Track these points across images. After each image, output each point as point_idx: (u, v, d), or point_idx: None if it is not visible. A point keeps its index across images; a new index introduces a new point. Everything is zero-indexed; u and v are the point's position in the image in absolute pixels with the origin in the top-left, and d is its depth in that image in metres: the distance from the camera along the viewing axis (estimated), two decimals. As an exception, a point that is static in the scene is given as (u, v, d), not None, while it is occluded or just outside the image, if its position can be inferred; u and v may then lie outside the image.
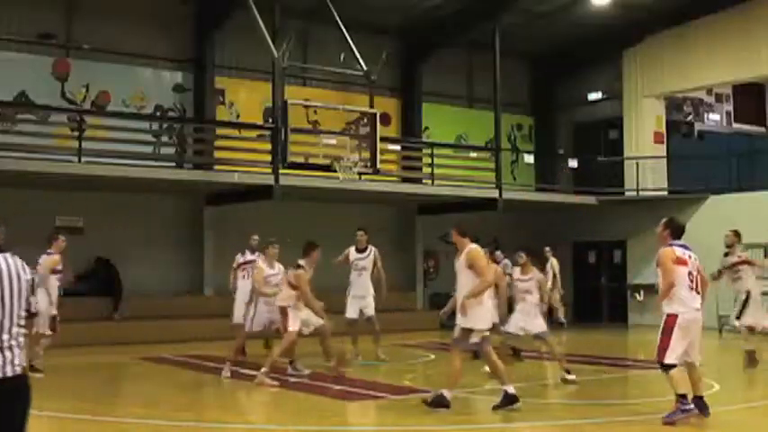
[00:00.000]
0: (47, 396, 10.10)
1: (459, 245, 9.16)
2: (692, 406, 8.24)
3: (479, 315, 8.88)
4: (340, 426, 8.52)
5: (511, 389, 8.94)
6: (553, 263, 20.65)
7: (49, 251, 12.19)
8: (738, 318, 13.01)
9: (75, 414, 8.84)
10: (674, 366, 8.29)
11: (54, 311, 11.91)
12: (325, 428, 8.41)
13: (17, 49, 18.05)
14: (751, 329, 12.97)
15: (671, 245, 8.55)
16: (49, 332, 11.87)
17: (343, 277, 14.11)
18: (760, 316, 13.00)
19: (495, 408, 8.95)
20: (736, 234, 13.25)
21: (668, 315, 8.35)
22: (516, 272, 12.04)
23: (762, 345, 13.15)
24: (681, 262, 8.40)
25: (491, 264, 12.00)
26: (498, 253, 18.57)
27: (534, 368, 13.17)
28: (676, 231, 8.67)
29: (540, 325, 11.60)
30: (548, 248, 20.75)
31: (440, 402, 8.81)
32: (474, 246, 9.10)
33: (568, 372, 11.28)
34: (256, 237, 14.19)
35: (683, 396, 8.26)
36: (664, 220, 8.81)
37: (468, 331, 8.89)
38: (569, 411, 9.32)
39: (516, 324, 11.73)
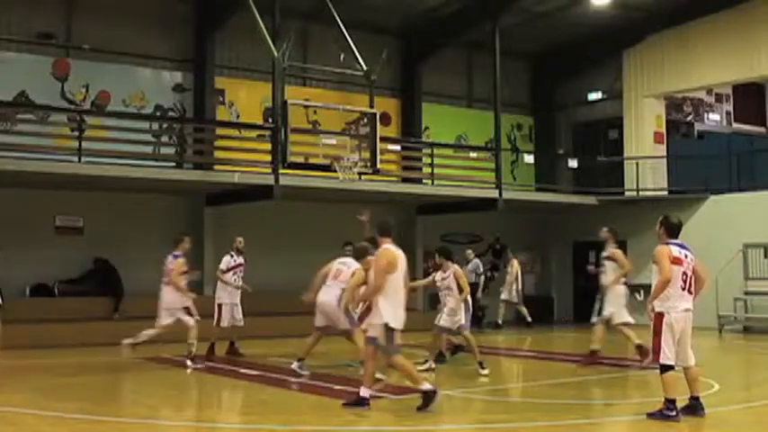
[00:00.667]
0: (48, 396, 10.11)
1: (379, 243, 9.19)
2: (676, 414, 8.24)
3: (386, 311, 8.84)
4: (340, 426, 8.51)
5: (426, 387, 8.85)
6: (514, 264, 21.25)
7: (175, 253, 12.98)
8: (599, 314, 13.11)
9: (75, 414, 8.83)
10: (670, 368, 8.31)
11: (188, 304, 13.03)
12: (325, 428, 8.41)
13: (17, 49, 18.06)
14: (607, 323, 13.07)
15: (668, 243, 8.54)
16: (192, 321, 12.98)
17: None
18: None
19: (345, 405, 8.99)
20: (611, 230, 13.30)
21: (656, 314, 8.37)
22: (438, 274, 12.50)
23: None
24: (676, 261, 8.38)
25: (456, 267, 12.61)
26: (469, 252, 18.54)
27: (534, 368, 13.16)
28: (671, 229, 8.63)
29: (460, 320, 12.21)
30: (509, 250, 21.63)
31: (427, 400, 8.81)
32: (386, 247, 9.05)
33: (482, 366, 11.87)
34: (241, 239, 14.27)
35: (671, 401, 8.27)
36: (660, 218, 8.80)
37: (386, 328, 8.87)
38: (569, 411, 9.32)
39: (447, 319, 12.30)
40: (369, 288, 9.03)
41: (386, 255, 9.00)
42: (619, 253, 13.18)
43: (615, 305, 12.96)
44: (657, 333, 8.32)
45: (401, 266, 9.05)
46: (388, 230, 9.25)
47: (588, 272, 14.27)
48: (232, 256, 14.23)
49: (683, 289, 8.39)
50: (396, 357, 8.99)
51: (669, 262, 8.35)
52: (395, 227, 9.47)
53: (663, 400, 8.31)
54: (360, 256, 11.97)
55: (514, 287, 21.07)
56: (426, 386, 8.86)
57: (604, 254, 13.27)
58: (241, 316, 14.14)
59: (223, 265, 14.20)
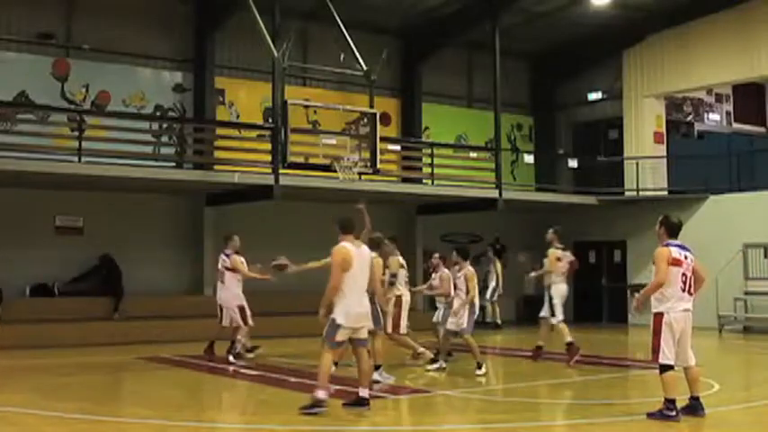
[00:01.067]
0: (48, 396, 10.12)
1: (339, 240, 9.05)
2: (676, 413, 8.24)
3: (337, 308, 8.74)
4: (340, 426, 8.51)
5: (322, 394, 8.64)
6: (497, 265, 21.50)
7: (227, 252, 13.67)
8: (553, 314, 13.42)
9: (75, 414, 8.83)
10: (670, 368, 8.30)
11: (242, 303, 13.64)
12: (325, 428, 8.40)
13: (17, 49, 18.07)
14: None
15: (668, 244, 8.53)
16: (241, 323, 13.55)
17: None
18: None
19: (345, 405, 8.92)
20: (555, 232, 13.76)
21: (655, 314, 8.38)
22: (454, 270, 12.62)
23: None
24: (676, 262, 8.38)
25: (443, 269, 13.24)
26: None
27: (533, 368, 13.15)
28: (672, 229, 8.62)
29: (462, 322, 12.14)
30: (489, 250, 21.98)
31: (312, 406, 8.62)
32: (342, 244, 8.94)
33: (479, 366, 11.95)
34: (236, 237, 14.22)
35: (671, 401, 8.27)
36: (660, 217, 8.80)
37: (333, 323, 8.77)
38: (569, 411, 9.32)
39: (452, 322, 12.28)
40: (327, 288, 8.85)
41: (340, 252, 8.89)
42: (554, 254, 13.46)
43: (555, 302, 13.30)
44: (657, 333, 8.33)
45: (357, 264, 8.87)
46: (348, 227, 9.13)
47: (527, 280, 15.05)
48: (228, 255, 14.16)
49: (683, 290, 8.38)
50: (326, 353, 8.81)
51: (667, 264, 8.34)
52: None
53: (662, 400, 8.31)
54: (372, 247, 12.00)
55: (492, 287, 21.36)
56: (320, 395, 8.63)
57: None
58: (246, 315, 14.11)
59: (221, 267, 14.18)
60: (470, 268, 12.41)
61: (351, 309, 8.80)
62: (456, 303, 12.24)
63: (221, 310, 14.03)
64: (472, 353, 12.16)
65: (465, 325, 12.13)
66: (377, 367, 11.13)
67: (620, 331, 21.17)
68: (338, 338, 8.85)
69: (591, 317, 23.47)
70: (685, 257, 8.46)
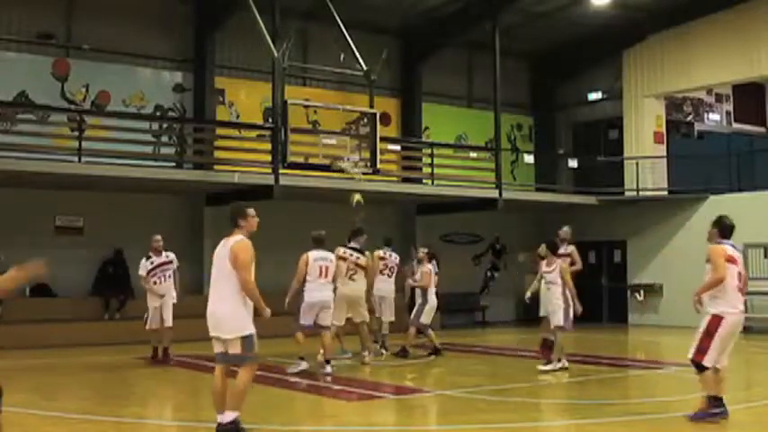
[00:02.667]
0: (48, 396, 10.12)
1: (237, 233, 7.99)
2: (723, 409, 8.15)
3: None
4: (340, 426, 8.51)
5: (229, 417, 7.64)
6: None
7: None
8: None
9: (75, 414, 8.84)
10: (707, 368, 8.18)
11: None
12: (325, 428, 8.41)
13: (17, 49, 18.07)
14: None
15: (720, 242, 8.44)
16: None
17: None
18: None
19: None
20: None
21: (713, 316, 8.17)
22: (543, 264, 12.53)
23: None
24: (732, 260, 8.28)
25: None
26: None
27: (533, 368, 13.15)
28: (725, 230, 8.56)
29: (558, 318, 12.03)
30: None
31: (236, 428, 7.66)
32: (242, 238, 7.87)
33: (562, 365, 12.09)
34: (158, 237, 13.82)
35: (717, 399, 8.17)
36: (714, 218, 8.72)
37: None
38: (569, 411, 9.32)
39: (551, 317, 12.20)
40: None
41: (249, 247, 7.90)
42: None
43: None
44: (710, 335, 8.13)
45: (214, 262, 8.08)
46: (232, 216, 8.10)
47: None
48: (149, 257, 13.64)
49: (739, 289, 8.31)
50: (217, 366, 7.86)
51: (724, 260, 8.21)
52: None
53: (706, 398, 8.22)
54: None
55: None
56: (233, 415, 7.72)
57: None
58: (169, 317, 13.68)
59: (142, 271, 13.65)
60: (562, 262, 12.33)
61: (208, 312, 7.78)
62: (553, 298, 12.13)
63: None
64: (554, 348, 12.13)
65: (562, 322, 12.02)
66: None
67: (620, 331, 21.17)
68: (215, 349, 7.76)
69: (591, 317, 23.41)
70: (738, 257, 8.39)
